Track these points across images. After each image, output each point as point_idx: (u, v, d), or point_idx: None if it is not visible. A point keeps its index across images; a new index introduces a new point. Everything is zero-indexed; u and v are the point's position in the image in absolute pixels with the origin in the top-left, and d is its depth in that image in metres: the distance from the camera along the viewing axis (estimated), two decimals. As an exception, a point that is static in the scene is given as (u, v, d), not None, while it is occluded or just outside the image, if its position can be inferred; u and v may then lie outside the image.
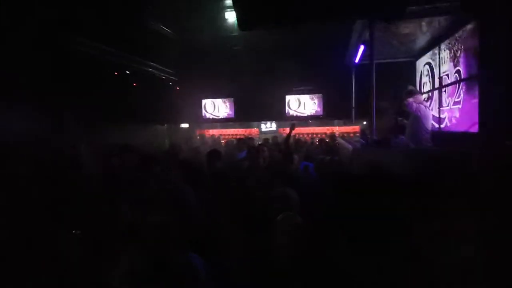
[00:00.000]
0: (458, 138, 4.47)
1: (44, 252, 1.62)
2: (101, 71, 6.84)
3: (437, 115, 5.43)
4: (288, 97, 10.49)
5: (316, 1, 2.67)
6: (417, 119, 4.44)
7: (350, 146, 4.00)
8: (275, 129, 11.35)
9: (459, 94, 4.56)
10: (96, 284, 1.48)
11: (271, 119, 11.22)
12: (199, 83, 10.13)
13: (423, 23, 4.79)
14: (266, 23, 2.74)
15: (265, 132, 11.06)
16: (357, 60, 5.97)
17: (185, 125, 11.75)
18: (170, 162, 3.75)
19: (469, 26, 4.27)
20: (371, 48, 4.10)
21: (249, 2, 2.54)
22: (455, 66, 4.73)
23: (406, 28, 4.92)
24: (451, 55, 4.87)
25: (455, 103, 4.70)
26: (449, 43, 4.94)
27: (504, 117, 3.34)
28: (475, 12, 4.01)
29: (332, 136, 8.30)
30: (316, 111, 10.40)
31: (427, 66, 6.09)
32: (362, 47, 5.22)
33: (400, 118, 4.77)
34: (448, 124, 4.99)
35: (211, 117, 11.28)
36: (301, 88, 10.34)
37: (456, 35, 4.65)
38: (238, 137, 9.44)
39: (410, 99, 4.48)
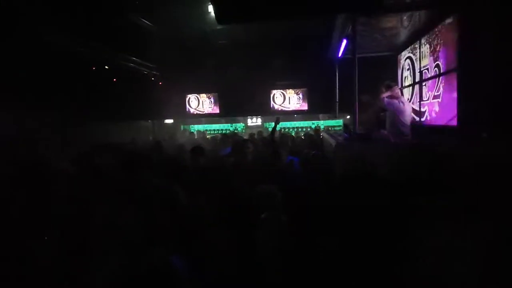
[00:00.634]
0: (437, 131, 4.58)
1: (15, 258, 1.56)
2: (78, 66, 6.60)
3: (418, 109, 5.54)
4: (273, 92, 10.48)
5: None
6: (393, 113, 4.53)
7: (333, 141, 4.03)
8: (260, 123, 11.35)
9: (439, 88, 4.66)
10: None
11: (256, 114, 11.19)
12: (182, 78, 9.97)
13: (404, 18, 4.85)
14: (245, 16, 2.70)
15: (251, 127, 11.05)
16: (340, 54, 6.01)
17: (169, 121, 11.58)
18: (153, 160, 3.68)
19: (448, 21, 4.34)
20: (354, 42, 4.13)
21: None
22: (435, 60, 4.82)
23: (387, 22, 4.98)
24: (431, 49, 4.96)
25: (435, 97, 4.80)
26: (429, 38, 5.03)
27: (482, 111, 3.44)
28: (454, 7, 4.09)
29: (317, 130, 8.38)
30: (301, 105, 10.44)
31: (408, 60, 6.19)
32: (344, 41, 5.26)
33: (382, 114, 4.84)
34: (429, 118, 5.10)
35: (195, 112, 11.14)
36: (285, 82, 10.34)
37: (436, 30, 4.73)
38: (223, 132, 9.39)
39: (383, 95, 4.56)
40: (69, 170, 2.72)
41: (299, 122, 11.02)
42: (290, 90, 10.42)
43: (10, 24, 4.91)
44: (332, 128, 10.25)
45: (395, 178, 2.21)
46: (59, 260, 1.56)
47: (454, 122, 4.07)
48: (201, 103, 11.08)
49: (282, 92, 10.48)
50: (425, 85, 5.29)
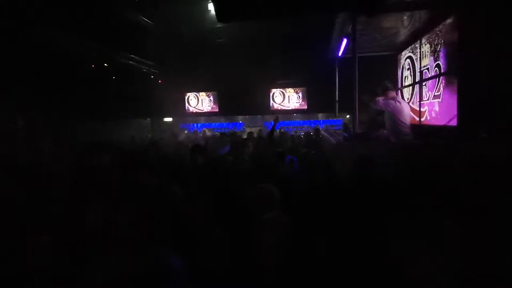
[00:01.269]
0: (437, 132, 4.57)
1: (13, 257, 1.54)
2: (77, 64, 6.57)
3: (418, 109, 5.53)
4: (272, 90, 10.46)
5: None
6: (390, 114, 4.50)
7: (333, 140, 4.03)
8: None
9: (439, 88, 4.64)
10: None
11: (255, 113, 11.17)
12: (182, 76, 9.95)
13: (404, 17, 4.83)
14: (246, 15, 2.68)
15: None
16: (340, 54, 5.98)
17: (168, 119, 11.55)
18: (152, 158, 3.66)
19: (449, 20, 4.32)
20: (354, 41, 4.11)
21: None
22: (435, 60, 4.80)
23: (388, 21, 4.96)
24: (432, 49, 4.94)
25: (435, 97, 4.78)
26: (429, 37, 5.01)
27: (482, 111, 3.42)
28: (455, 6, 4.07)
29: (316, 129, 8.36)
30: (300, 105, 10.43)
31: (408, 60, 6.17)
32: (345, 41, 5.24)
33: (379, 116, 4.80)
34: (429, 118, 5.08)
35: (194, 111, 11.12)
36: (285, 81, 10.32)
37: (436, 29, 4.71)
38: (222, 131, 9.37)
39: (377, 98, 4.52)
40: (66, 168, 2.70)
41: (298, 121, 11.01)
42: (290, 89, 10.41)
43: (10, 21, 4.87)
44: (332, 128, 10.23)
45: (397, 178, 2.20)
46: (57, 260, 1.55)
47: (454, 122, 4.06)
48: (200, 101, 11.06)
49: (281, 91, 10.47)
50: (425, 85, 5.28)
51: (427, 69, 5.14)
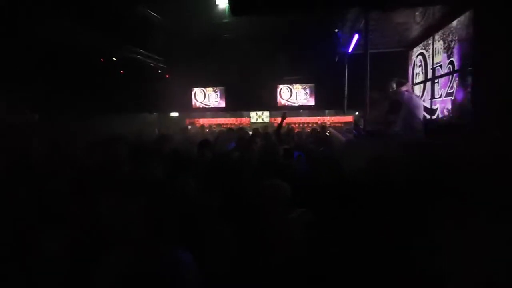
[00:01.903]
0: (450, 129, 4.47)
1: (22, 252, 1.53)
2: (84, 58, 6.56)
3: (429, 106, 5.43)
4: (280, 86, 10.38)
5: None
6: (408, 108, 4.40)
7: (342, 137, 3.96)
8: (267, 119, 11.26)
9: (452, 86, 4.54)
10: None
11: (262, 109, 11.10)
12: (189, 71, 9.90)
13: (417, 13, 4.72)
14: (259, 9, 2.63)
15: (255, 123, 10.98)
16: (350, 50, 5.89)
17: (175, 114, 11.55)
18: (159, 152, 3.63)
19: (463, 17, 4.21)
20: (366, 37, 4.02)
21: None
22: (448, 57, 4.70)
23: (400, 17, 4.85)
24: (445, 45, 4.83)
25: (448, 94, 4.68)
26: (443, 34, 4.90)
27: (496, 109, 3.34)
28: (471, 2, 3.96)
29: (323, 126, 8.28)
30: (307, 101, 10.34)
31: (420, 57, 6.06)
32: (356, 36, 5.15)
33: (391, 115, 4.69)
34: (440, 115, 4.99)
35: (201, 106, 11.10)
36: (293, 77, 10.23)
37: (450, 26, 4.60)
38: (228, 126, 9.34)
39: (403, 88, 4.43)
40: (76, 162, 2.69)
41: (305, 117, 10.92)
42: (297, 85, 10.32)
43: (12, 18, 4.86)
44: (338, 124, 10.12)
45: (411, 177, 2.14)
46: (67, 255, 1.53)
47: (468, 120, 3.97)
48: (207, 96, 11.03)
49: (289, 87, 10.39)
50: (437, 82, 5.17)
51: (440, 66, 5.04)
